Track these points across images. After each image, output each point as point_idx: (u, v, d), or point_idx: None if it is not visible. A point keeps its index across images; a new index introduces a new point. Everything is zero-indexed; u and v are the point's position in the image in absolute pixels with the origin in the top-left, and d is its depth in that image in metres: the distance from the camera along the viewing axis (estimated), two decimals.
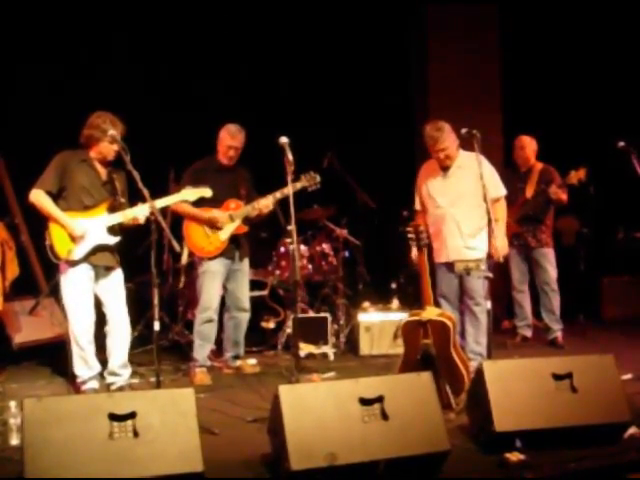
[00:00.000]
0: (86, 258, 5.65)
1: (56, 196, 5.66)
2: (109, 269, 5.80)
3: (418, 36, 9.72)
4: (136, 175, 5.16)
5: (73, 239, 5.60)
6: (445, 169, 6.11)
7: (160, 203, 5.64)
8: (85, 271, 5.68)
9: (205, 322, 6.41)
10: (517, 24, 9.45)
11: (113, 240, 5.74)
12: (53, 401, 3.93)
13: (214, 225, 6.34)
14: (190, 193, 5.99)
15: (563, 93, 9.45)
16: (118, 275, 5.88)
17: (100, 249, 5.70)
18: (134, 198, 5.66)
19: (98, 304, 5.81)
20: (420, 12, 9.57)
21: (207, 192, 6.02)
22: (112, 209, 5.76)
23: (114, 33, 8.47)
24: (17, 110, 8.17)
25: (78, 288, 5.67)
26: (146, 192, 5.14)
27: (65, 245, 5.60)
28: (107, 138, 5.66)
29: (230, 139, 6.41)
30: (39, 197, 5.62)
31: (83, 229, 5.60)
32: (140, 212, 5.63)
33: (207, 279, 6.40)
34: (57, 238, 5.61)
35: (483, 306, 5.81)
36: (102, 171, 5.84)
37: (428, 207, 6.26)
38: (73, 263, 5.63)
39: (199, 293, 6.48)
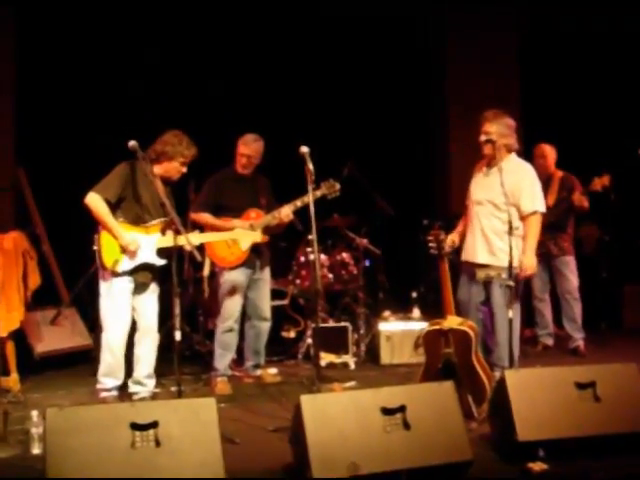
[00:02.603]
0: (130, 273, 5.65)
1: (113, 205, 5.61)
2: (147, 282, 5.81)
3: (437, 45, 9.72)
4: (168, 205, 5.23)
5: (123, 251, 5.58)
6: (489, 167, 5.98)
7: (209, 237, 5.89)
8: (127, 283, 5.66)
9: (226, 331, 6.41)
10: (534, 31, 9.42)
11: (160, 262, 5.72)
12: (75, 411, 3.94)
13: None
14: (241, 233, 6.07)
15: (582, 100, 9.41)
16: (154, 286, 5.88)
17: (144, 267, 5.71)
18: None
19: None
20: (439, 17, 9.57)
21: (257, 237, 6.11)
22: (165, 231, 5.75)
23: (131, 46, 8.51)
24: (38, 121, 8.22)
25: (119, 299, 5.66)
26: (177, 220, 5.21)
27: (113, 255, 5.57)
28: (180, 159, 5.67)
29: (243, 147, 6.44)
30: (97, 203, 5.54)
31: (137, 245, 5.59)
32: (194, 240, 5.50)
33: (228, 289, 6.40)
34: (106, 247, 5.58)
35: (502, 316, 5.73)
36: (162, 189, 5.74)
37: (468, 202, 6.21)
38: (116, 274, 5.62)
39: (220, 303, 6.48)
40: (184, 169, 5.74)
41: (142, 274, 5.72)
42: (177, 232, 5.28)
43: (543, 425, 4.31)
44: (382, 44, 9.29)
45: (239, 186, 6.46)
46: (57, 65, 8.34)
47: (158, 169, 5.78)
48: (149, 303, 5.85)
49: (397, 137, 9.46)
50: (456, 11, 9.43)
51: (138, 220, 5.68)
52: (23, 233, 6.81)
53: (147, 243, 5.66)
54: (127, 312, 5.72)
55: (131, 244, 5.56)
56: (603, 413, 4.41)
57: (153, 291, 5.88)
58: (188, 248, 5.36)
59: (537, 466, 4.11)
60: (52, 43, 8.31)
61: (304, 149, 5.38)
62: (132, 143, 5.32)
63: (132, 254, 5.59)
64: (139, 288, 5.77)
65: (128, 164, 5.71)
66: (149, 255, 5.68)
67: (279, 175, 6.71)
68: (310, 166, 5.37)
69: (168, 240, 5.63)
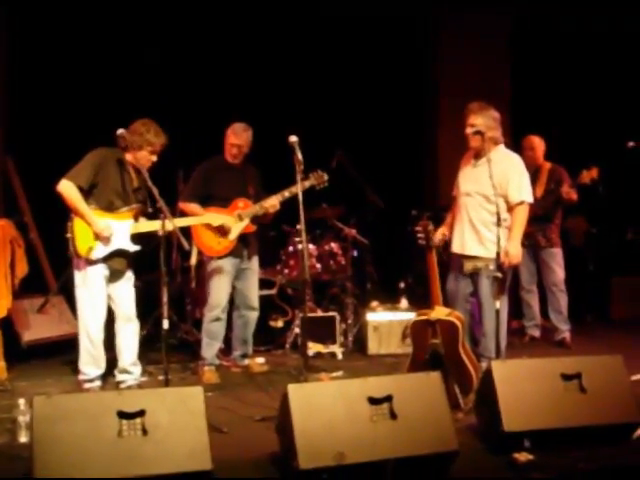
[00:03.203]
0: (104, 259, 5.65)
1: (85, 192, 5.59)
2: (122, 270, 5.81)
3: (429, 36, 9.71)
4: (155, 192, 5.17)
5: (97, 238, 5.58)
6: (476, 158, 6.00)
7: (180, 222, 5.71)
8: (101, 270, 5.66)
9: (213, 320, 6.41)
10: (526, 24, 9.42)
11: (134, 248, 5.73)
12: (62, 399, 3.94)
13: (223, 229, 6.34)
14: (214, 217, 6.01)
15: (570, 93, 9.43)
16: (129, 274, 5.88)
17: (118, 254, 5.70)
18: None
19: None
20: (431, 12, 9.56)
21: (230, 220, 6.09)
22: (138, 217, 5.77)
23: (120, 36, 8.47)
24: (26, 110, 8.18)
25: (95, 287, 5.66)
26: (165, 209, 5.14)
27: (87, 242, 5.56)
28: (148, 148, 5.65)
29: (233, 137, 6.43)
30: (69, 190, 5.52)
31: (110, 231, 5.59)
32: (168, 226, 5.57)
33: (216, 278, 6.40)
34: (80, 234, 5.56)
35: (489, 307, 5.77)
36: (135, 176, 5.81)
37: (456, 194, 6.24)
38: (91, 262, 5.62)
39: (208, 292, 6.49)
40: (154, 158, 5.71)
41: (117, 260, 5.72)
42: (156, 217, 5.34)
43: (529, 416, 4.33)
44: (372, 35, 9.26)
45: (228, 175, 6.45)
46: (45, 53, 8.29)
47: (128, 157, 5.78)
48: (125, 291, 5.86)
49: (387, 128, 9.45)
50: (448, 4, 9.42)
51: (110, 206, 5.68)
52: (11, 221, 6.78)
53: (120, 229, 5.66)
54: (103, 300, 5.73)
55: (104, 230, 5.55)
56: (589, 404, 4.44)
57: (129, 278, 5.88)
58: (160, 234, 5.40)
59: (523, 456, 4.13)
60: (40, 31, 8.25)
61: (293, 138, 5.38)
62: (120, 131, 5.32)
63: (106, 240, 5.59)
64: (114, 276, 5.78)
65: (100, 150, 5.73)
66: (123, 241, 5.68)
67: (268, 164, 6.69)
68: (299, 156, 5.36)
69: (142, 226, 5.71)
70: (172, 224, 5.22)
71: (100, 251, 5.60)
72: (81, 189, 5.55)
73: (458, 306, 5.98)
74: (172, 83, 8.65)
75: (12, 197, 7.69)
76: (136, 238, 5.73)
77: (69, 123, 8.22)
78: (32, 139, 8.07)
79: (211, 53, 8.85)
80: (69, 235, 5.60)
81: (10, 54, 8.10)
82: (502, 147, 5.88)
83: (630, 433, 4.48)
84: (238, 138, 6.43)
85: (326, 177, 6.35)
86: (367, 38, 9.27)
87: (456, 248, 6.02)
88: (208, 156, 6.58)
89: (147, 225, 5.73)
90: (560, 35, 9.39)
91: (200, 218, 6.17)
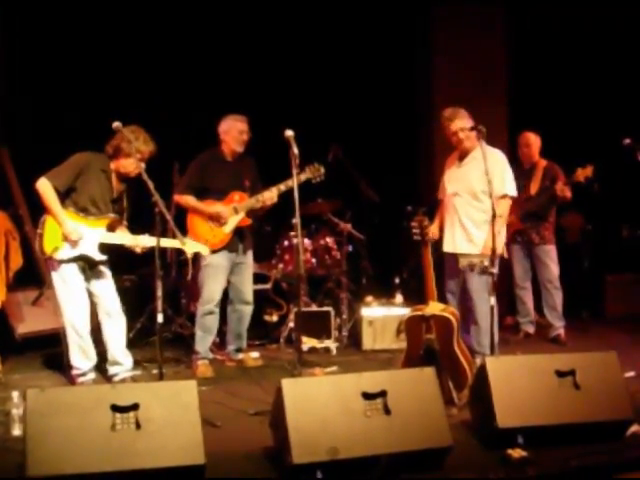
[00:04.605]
0: (69, 261, 5.65)
1: (62, 194, 5.61)
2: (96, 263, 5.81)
3: (423, 30, 9.68)
4: (151, 185, 5.15)
5: (64, 239, 5.58)
6: (461, 158, 6.12)
7: (164, 243, 5.62)
8: (74, 266, 5.68)
9: (206, 314, 6.41)
10: (523, 18, 9.40)
11: (99, 257, 5.74)
12: (56, 392, 3.96)
13: (218, 220, 6.33)
14: (190, 245, 5.88)
15: (568, 89, 9.41)
16: (105, 270, 5.88)
17: (84, 259, 5.71)
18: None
19: None
20: (425, 7, 9.53)
21: (205, 250, 6.01)
22: (112, 227, 5.77)
23: (117, 28, 8.43)
24: (21, 100, 8.16)
25: (71, 281, 5.68)
26: (160, 202, 5.08)
27: (53, 242, 5.58)
28: (137, 155, 5.60)
29: (241, 124, 6.43)
30: (45, 189, 5.55)
31: (79, 235, 5.59)
32: (142, 242, 5.62)
33: (210, 272, 6.40)
34: (49, 232, 5.59)
35: (483, 304, 5.81)
36: (117, 186, 5.81)
37: (443, 195, 6.33)
38: (61, 261, 5.63)
39: (201, 286, 6.48)
40: (142, 165, 5.65)
41: (83, 264, 5.73)
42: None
43: (523, 412, 4.34)
44: (368, 29, 9.24)
45: (224, 168, 6.44)
46: (41, 44, 8.26)
47: (115, 165, 5.78)
48: (104, 287, 5.87)
49: (382, 122, 9.42)
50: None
51: (85, 212, 5.68)
52: (5, 214, 6.78)
53: (90, 236, 5.65)
54: (83, 293, 5.75)
55: (72, 233, 5.56)
56: (582, 401, 4.44)
57: (105, 275, 5.88)
58: (138, 251, 5.60)
59: (516, 453, 4.13)
60: (35, 23, 8.22)
61: (289, 133, 5.36)
62: (116, 124, 5.30)
63: (73, 243, 5.59)
64: (92, 273, 5.79)
65: (85, 155, 5.73)
66: (89, 248, 5.68)
67: (263, 158, 6.68)
68: (295, 150, 5.35)
69: (115, 237, 5.71)
70: (143, 241, 5.29)
71: (65, 253, 5.60)
72: (57, 191, 5.57)
73: (455, 301, 6.05)
74: (168, 76, 8.62)
75: (7, 189, 7.67)
76: (104, 248, 5.73)
77: (65, 115, 8.19)
78: (27, 131, 8.04)
79: (208, 47, 8.80)
80: (39, 231, 5.63)
81: (6, 45, 8.06)
82: (483, 143, 5.87)
83: (624, 430, 4.48)
84: (245, 124, 6.44)
85: (323, 170, 6.35)
86: (362, 29, 9.23)
87: (449, 248, 6.14)
88: (204, 149, 6.56)
89: (118, 237, 5.73)
90: (557, 33, 9.37)
91: (178, 242, 5.85)
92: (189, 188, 6.41)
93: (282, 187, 6.30)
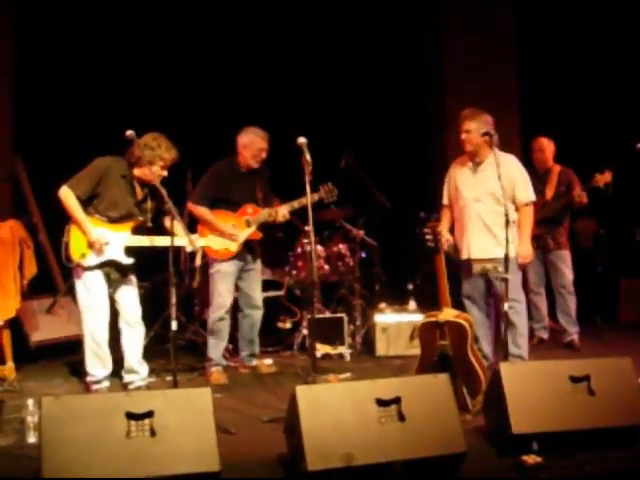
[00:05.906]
0: (97, 267, 5.66)
1: (84, 201, 5.62)
2: (117, 279, 5.81)
3: (434, 36, 9.69)
4: (164, 193, 5.16)
5: (90, 246, 5.59)
6: (477, 164, 6.06)
7: (179, 242, 5.56)
8: (99, 273, 5.68)
9: (218, 321, 6.43)
10: (534, 24, 9.39)
11: (127, 261, 5.73)
12: (71, 399, 3.95)
13: (230, 237, 6.33)
14: (216, 242, 6.06)
15: (580, 93, 9.40)
16: (132, 279, 5.90)
17: (111, 264, 5.71)
18: None
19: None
20: (436, 12, 9.54)
21: (232, 246, 6.15)
22: (137, 230, 5.77)
23: (132, 37, 8.48)
24: (35, 111, 8.20)
25: (94, 289, 5.68)
26: (174, 210, 5.10)
27: (80, 249, 5.59)
28: (160, 163, 5.63)
29: (261, 141, 6.41)
30: (68, 197, 5.56)
31: (105, 241, 5.60)
32: (165, 243, 5.56)
33: (219, 279, 6.41)
34: (75, 240, 5.60)
35: (515, 307, 5.84)
36: (139, 191, 5.82)
37: (454, 201, 6.23)
38: (87, 268, 5.63)
39: (211, 293, 6.49)
40: (164, 172, 5.68)
41: (110, 270, 5.73)
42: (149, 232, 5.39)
43: (537, 418, 4.32)
44: (380, 35, 9.26)
45: (239, 180, 6.44)
46: (55, 53, 8.31)
47: (138, 172, 5.77)
48: (128, 296, 5.87)
49: (395, 129, 9.43)
50: (454, 3, 9.39)
51: (108, 217, 5.69)
52: (20, 222, 6.80)
53: (115, 240, 5.66)
54: (105, 300, 5.75)
55: (98, 240, 5.57)
56: (597, 407, 4.42)
57: (131, 283, 5.89)
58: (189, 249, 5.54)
59: (531, 459, 4.11)
60: (49, 31, 8.27)
61: (302, 140, 5.36)
62: (129, 132, 5.31)
63: (99, 250, 5.60)
64: (116, 281, 5.80)
65: (105, 161, 5.72)
66: (116, 252, 5.68)
67: (276, 166, 6.69)
68: (308, 157, 5.35)
69: (140, 240, 5.69)
70: (192, 243, 5.32)
71: (92, 259, 5.62)
72: (79, 198, 5.58)
73: (474, 307, 6.02)
74: (180, 83, 8.66)
75: (21, 198, 7.71)
76: (130, 251, 5.73)
77: (78, 123, 8.24)
78: (41, 140, 8.08)
79: (220, 55, 8.86)
80: (65, 239, 5.64)
81: (19, 55, 8.11)
82: (496, 149, 5.86)
83: (639, 436, 4.46)
84: (266, 142, 6.43)
85: (336, 192, 6.40)
86: (375, 36, 9.25)
87: (464, 255, 6.07)
88: (217, 157, 6.56)
89: (143, 240, 5.72)
90: (570, 37, 9.36)
91: (205, 240, 6.10)
92: (204, 198, 6.40)
93: (295, 204, 6.35)
